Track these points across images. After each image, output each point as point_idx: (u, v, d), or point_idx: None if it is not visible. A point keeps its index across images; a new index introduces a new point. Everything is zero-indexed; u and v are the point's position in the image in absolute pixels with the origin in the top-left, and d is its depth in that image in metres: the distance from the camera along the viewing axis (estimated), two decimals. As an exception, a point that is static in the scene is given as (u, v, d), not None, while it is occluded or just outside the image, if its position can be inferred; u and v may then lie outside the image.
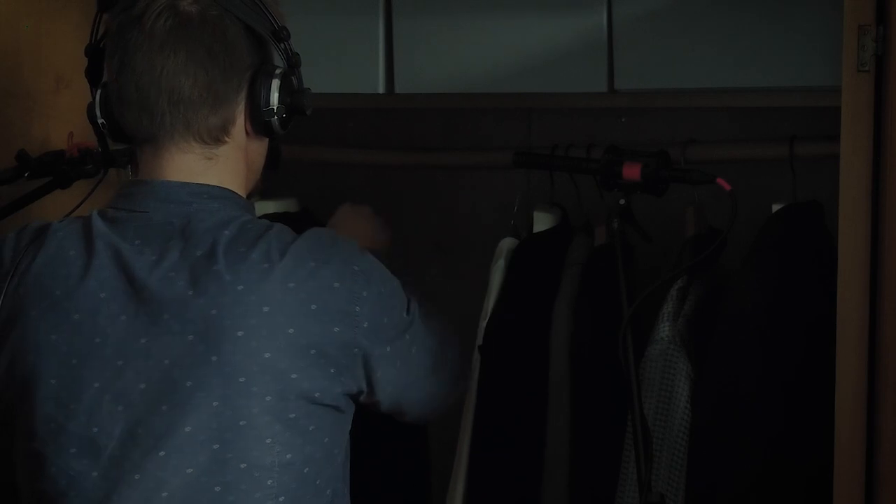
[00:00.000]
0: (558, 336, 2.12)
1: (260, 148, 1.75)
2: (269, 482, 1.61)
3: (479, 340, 2.18)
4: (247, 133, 1.70)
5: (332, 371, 1.63)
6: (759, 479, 1.94)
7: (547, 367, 2.12)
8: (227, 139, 1.68)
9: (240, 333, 1.59)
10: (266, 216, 2.28)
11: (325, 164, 2.60)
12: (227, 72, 1.65)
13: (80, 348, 1.62)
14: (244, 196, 1.72)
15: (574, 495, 2.11)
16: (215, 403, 1.59)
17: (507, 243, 2.24)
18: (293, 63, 1.69)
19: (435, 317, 1.83)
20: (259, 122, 1.68)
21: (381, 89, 2.32)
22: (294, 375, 1.60)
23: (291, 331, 1.60)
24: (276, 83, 1.67)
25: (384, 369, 1.70)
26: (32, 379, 1.63)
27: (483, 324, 2.18)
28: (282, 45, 1.68)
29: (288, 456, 1.62)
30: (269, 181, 1.91)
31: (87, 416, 1.61)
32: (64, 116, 2.29)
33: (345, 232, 1.88)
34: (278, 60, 1.72)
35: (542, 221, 2.27)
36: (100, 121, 1.72)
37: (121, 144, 1.77)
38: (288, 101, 1.69)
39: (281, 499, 1.62)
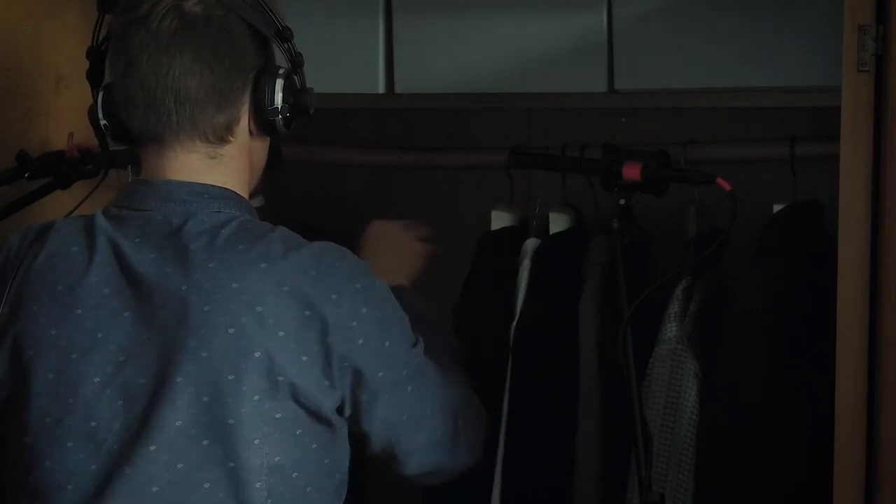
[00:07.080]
0: (586, 336, 2.10)
1: (263, 148, 1.75)
2: (258, 484, 1.60)
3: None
4: (250, 133, 1.70)
5: (325, 382, 1.62)
6: (767, 478, 1.94)
7: (578, 367, 2.11)
8: (231, 138, 1.68)
9: (231, 331, 1.58)
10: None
11: (325, 164, 2.59)
12: (232, 71, 1.65)
13: (81, 343, 1.62)
14: (246, 196, 1.73)
15: (606, 494, 2.10)
16: (205, 399, 1.59)
17: (530, 244, 2.22)
18: (297, 63, 1.70)
19: (454, 375, 1.82)
20: (263, 122, 1.69)
21: (381, 89, 2.32)
22: (281, 378, 1.59)
23: (282, 333, 1.59)
24: (280, 83, 1.68)
25: (373, 395, 1.67)
26: (30, 373, 1.64)
27: (513, 325, 2.17)
28: (286, 44, 1.69)
29: (277, 458, 1.61)
30: (265, 182, 1.90)
31: (85, 410, 1.62)
32: (64, 116, 2.28)
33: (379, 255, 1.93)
34: (281, 60, 1.72)
35: (557, 222, 2.26)
36: (102, 122, 1.73)
37: (121, 145, 1.78)
38: (291, 101, 1.69)
39: (269, 501, 1.61)
